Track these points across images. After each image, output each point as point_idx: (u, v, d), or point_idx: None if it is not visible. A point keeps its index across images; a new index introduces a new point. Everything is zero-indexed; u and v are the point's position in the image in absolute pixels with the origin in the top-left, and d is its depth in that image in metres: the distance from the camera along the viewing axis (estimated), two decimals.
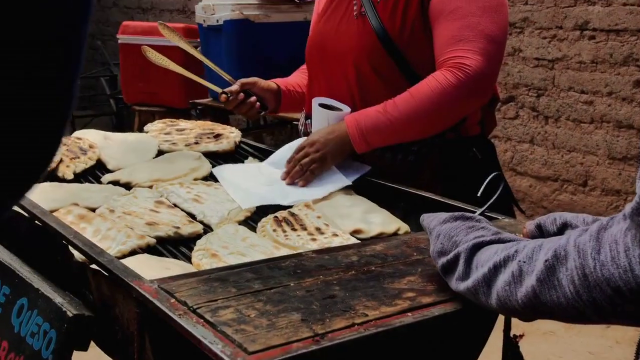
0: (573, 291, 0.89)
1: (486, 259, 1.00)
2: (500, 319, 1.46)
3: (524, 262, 0.95)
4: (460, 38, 1.71)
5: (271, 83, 2.10)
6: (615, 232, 0.86)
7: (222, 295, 1.03)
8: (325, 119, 1.86)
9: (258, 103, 2.06)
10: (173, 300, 1.01)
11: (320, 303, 1.02)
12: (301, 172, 1.81)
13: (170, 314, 0.97)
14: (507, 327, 1.46)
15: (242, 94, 2.04)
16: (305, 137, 1.91)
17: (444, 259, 1.08)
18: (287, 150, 1.92)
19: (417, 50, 1.80)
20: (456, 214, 1.14)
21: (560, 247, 0.91)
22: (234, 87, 2.05)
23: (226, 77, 2.17)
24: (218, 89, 2.07)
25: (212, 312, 0.97)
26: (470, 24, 1.71)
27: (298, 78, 2.17)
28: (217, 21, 4.05)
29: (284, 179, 1.83)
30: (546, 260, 0.91)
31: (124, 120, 6.56)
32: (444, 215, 1.15)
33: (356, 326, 0.96)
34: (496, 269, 0.98)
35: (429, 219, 1.18)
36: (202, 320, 0.96)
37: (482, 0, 1.73)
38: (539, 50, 4.31)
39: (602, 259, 0.85)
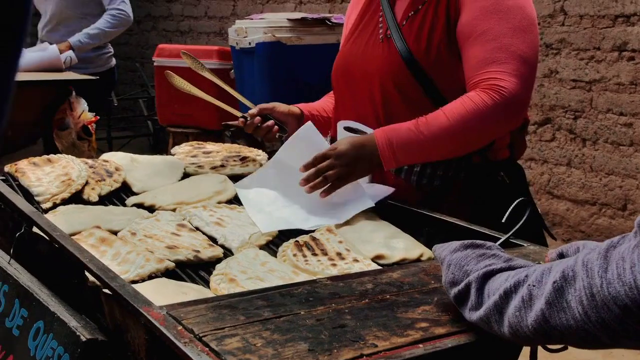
0: (582, 312, 0.86)
1: (497, 286, 0.98)
2: (526, 350, 1.42)
3: (534, 285, 0.92)
4: (493, 60, 1.68)
5: (293, 108, 2.09)
6: (624, 249, 0.83)
7: (229, 323, 1.01)
8: None
9: (276, 127, 2.05)
10: (180, 327, 1.00)
11: (330, 332, 1.00)
12: (324, 184, 1.74)
13: (175, 341, 0.96)
14: (534, 357, 1.41)
15: (258, 118, 2.03)
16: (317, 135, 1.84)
17: (455, 289, 1.05)
18: (297, 144, 1.84)
19: (442, 72, 1.78)
20: (466, 242, 1.11)
21: (569, 268, 0.88)
22: (252, 111, 2.05)
23: (247, 103, 2.17)
24: (238, 113, 2.08)
25: (218, 341, 0.96)
26: (502, 45, 1.69)
27: (323, 103, 2.15)
28: (250, 44, 4.08)
29: (302, 185, 1.76)
30: (554, 282, 0.89)
31: (160, 141, 6.63)
32: (455, 244, 1.12)
33: (364, 357, 0.93)
34: (507, 296, 0.95)
35: (440, 249, 1.15)
36: (207, 348, 0.94)
37: (512, 21, 1.70)
38: (576, 72, 4.24)
39: (609, 277, 0.82)
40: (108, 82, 4.48)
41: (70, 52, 4.03)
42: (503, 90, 1.65)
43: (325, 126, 2.08)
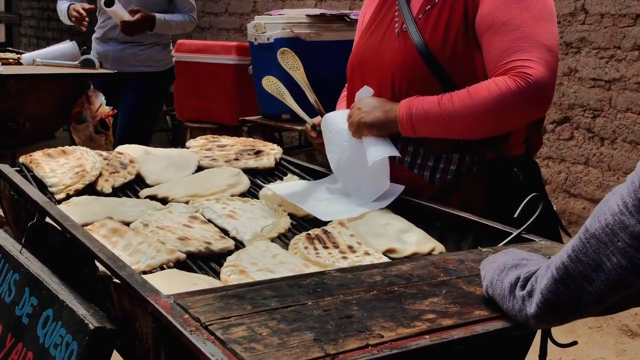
0: (584, 227, 0.92)
1: None
2: (534, 347, 1.41)
3: None
4: (517, 49, 1.68)
5: None
6: None
7: (236, 312, 1.01)
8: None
9: None
10: (187, 316, 1.00)
11: (336, 323, 0.99)
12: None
13: (181, 329, 0.96)
14: (543, 351, 1.40)
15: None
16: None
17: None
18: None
19: (459, 65, 1.77)
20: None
21: None
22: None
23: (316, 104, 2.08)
24: (309, 121, 2.06)
25: (224, 329, 0.96)
26: (524, 34, 1.68)
27: None
28: (268, 39, 4.08)
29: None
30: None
31: (178, 136, 6.64)
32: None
33: (370, 347, 0.93)
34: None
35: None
36: (212, 337, 0.94)
37: (533, 11, 1.70)
38: (596, 71, 4.20)
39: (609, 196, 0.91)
40: (170, 80, 4.57)
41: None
42: (529, 77, 1.65)
43: None
